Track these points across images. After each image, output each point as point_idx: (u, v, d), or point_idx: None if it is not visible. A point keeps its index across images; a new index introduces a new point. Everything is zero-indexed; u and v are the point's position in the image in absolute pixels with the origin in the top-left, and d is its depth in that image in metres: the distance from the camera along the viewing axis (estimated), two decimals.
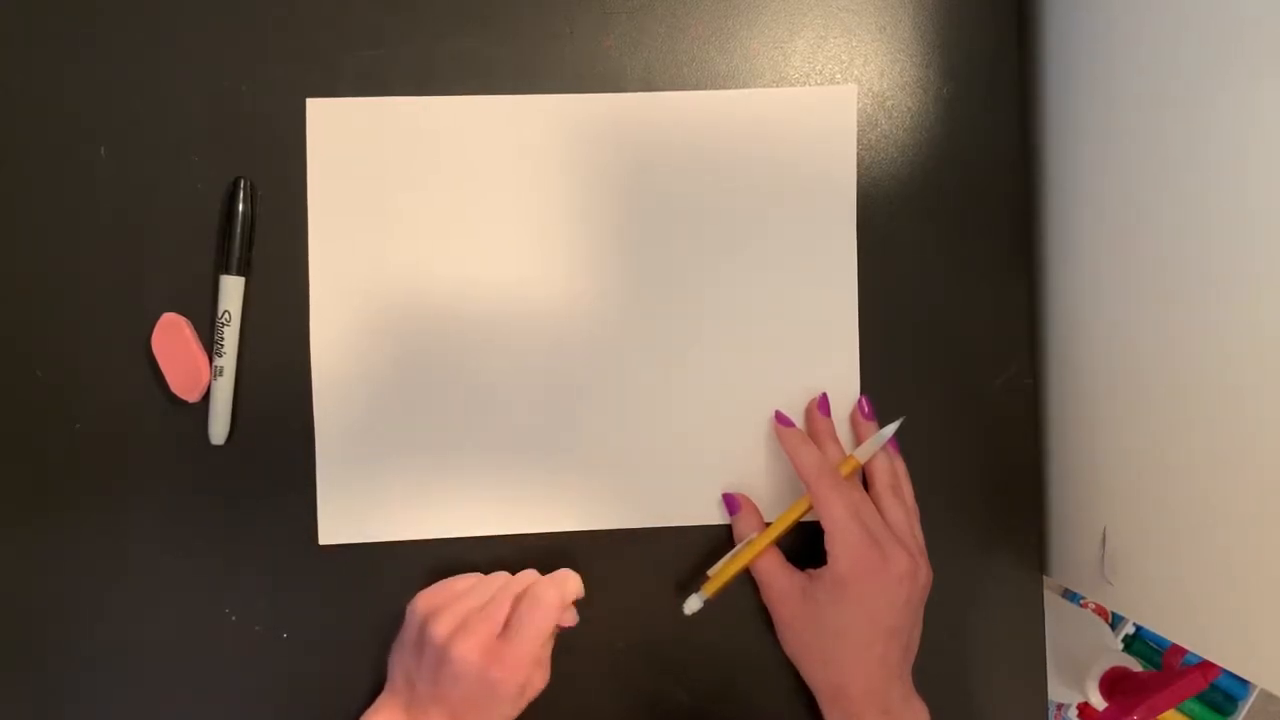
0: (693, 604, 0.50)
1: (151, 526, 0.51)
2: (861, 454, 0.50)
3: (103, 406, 0.50)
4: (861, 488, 0.50)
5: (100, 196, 0.50)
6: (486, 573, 0.50)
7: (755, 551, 0.50)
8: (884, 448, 0.51)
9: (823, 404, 0.52)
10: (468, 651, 0.45)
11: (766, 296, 0.53)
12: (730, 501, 0.52)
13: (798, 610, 0.49)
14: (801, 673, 0.51)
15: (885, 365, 0.53)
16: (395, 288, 0.51)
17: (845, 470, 0.50)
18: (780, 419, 0.52)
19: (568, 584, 0.50)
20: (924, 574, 0.49)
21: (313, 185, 0.51)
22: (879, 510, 0.50)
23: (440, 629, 0.46)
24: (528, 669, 0.46)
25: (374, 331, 0.51)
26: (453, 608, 0.47)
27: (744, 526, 0.52)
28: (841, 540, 0.48)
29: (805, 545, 0.51)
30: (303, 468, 0.51)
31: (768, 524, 0.51)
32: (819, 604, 0.48)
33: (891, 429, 0.51)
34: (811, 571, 0.50)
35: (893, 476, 0.51)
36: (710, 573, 0.51)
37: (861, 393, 0.53)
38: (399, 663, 0.48)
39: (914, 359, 0.54)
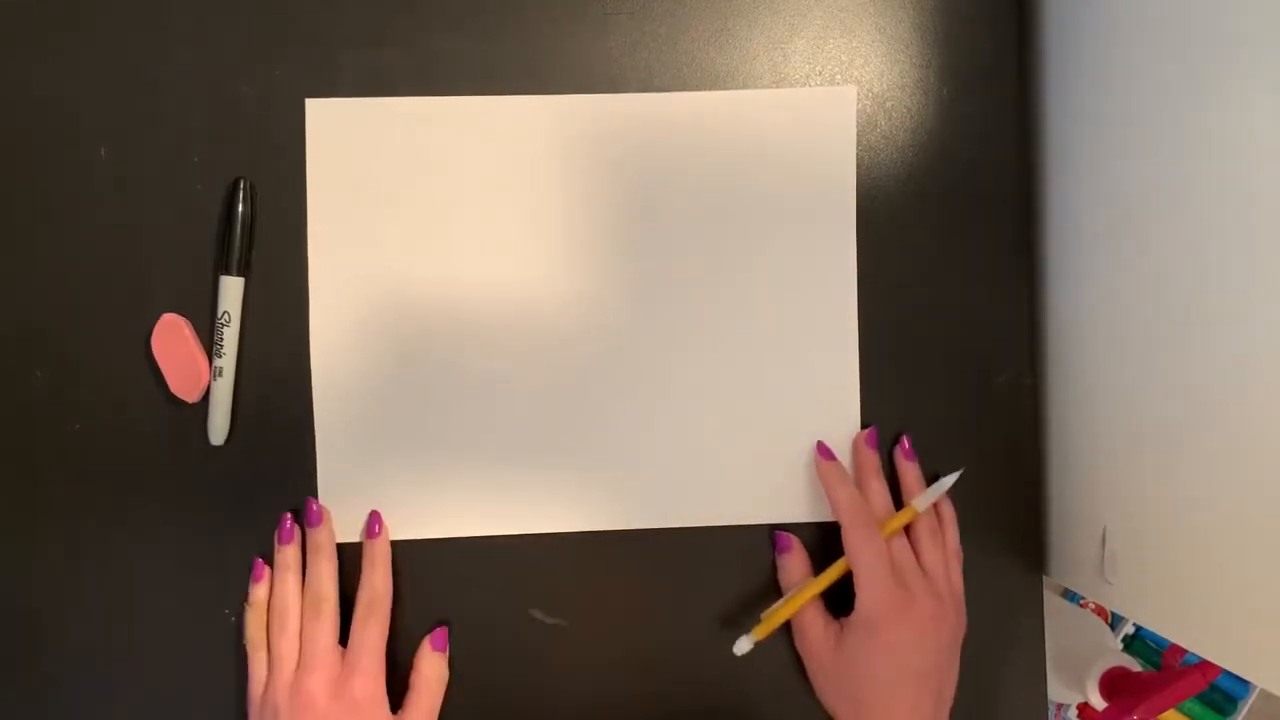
0: (743, 645, 0.49)
1: (151, 526, 0.51)
2: (920, 504, 0.50)
3: (103, 407, 0.50)
4: (902, 531, 0.50)
5: (100, 196, 0.50)
6: (486, 573, 0.51)
7: (810, 595, 0.50)
8: (920, 487, 0.51)
9: (871, 438, 0.52)
10: (313, 685, 0.46)
11: (766, 297, 0.53)
12: (782, 541, 0.52)
13: (831, 658, 0.49)
14: (833, 717, 0.50)
15: (885, 365, 0.53)
16: (395, 288, 0.51)
17: (901, 519, 0.50)
18: (822, 451, 0.52)
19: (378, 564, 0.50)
20: (953, 620, 0.49)
21: (313, 185, 0.51)
22: (916, 553, 0.50)
23: (278, 681, 0.47)
24: (377, 692, 0.47)
25: (374, 331, 0.51)
26: (273, 662, 0.48)
27: (792, 570, 0.51)
28: (867, 583, 0.48)
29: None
30: (303, 468, 0.51)
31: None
32: (849, 649, 0.48)
33: (950, 480, 0.50)
34: (844, 620, 0.50)
35: (933, 519, 0.51)
36: (764, 615, 0.50)
37: (862, 392, 0.53)
38: None
39: (914, 359, 0.54)
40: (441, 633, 0.51)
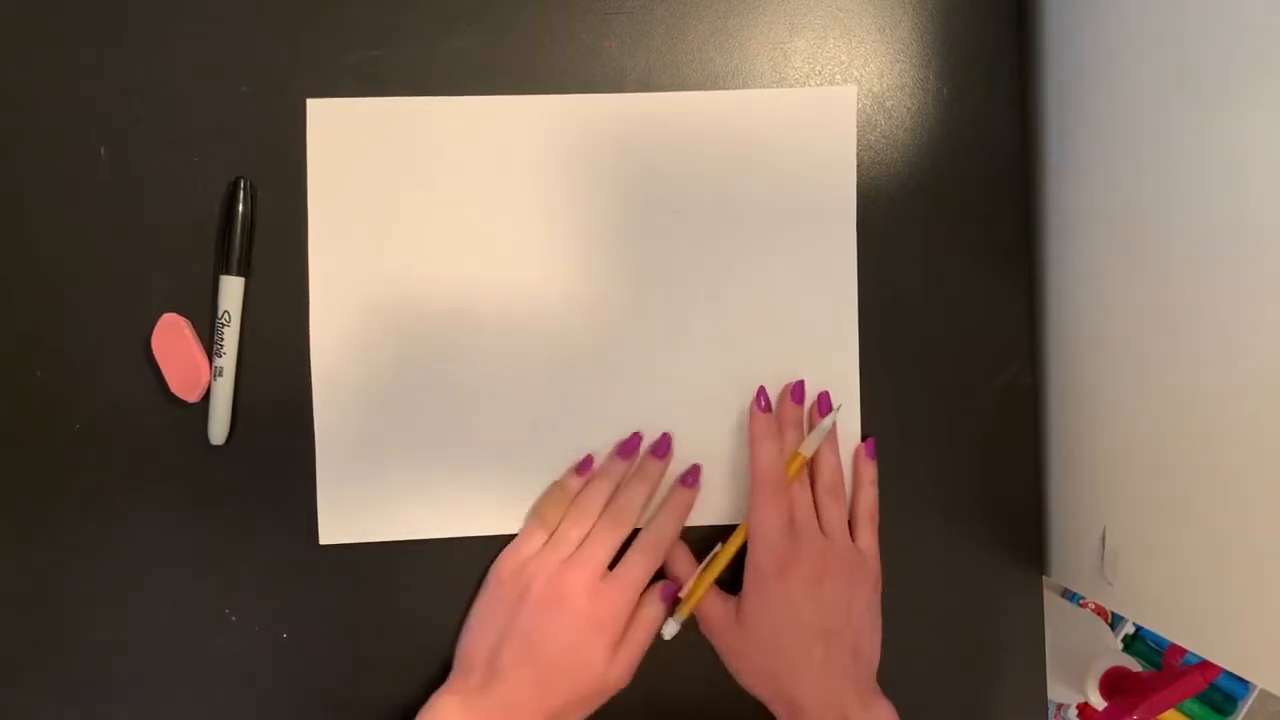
0: (671, 628, 0.50)
1: (151, 526, 0.51)
2: (806, 449, 0.51)
3: (103, 406, 0.50)
4: (808, 490, 0.51)
5: (100, 196, 0.50)
6: (485, 573, 0.51)
7: (724, 560, 0.50)
8: (828, 445, 0.52)
9: (796, 391, 0.52)
10: (577, 581, 0.47)
11: (766, 297, 0.53)
12: None
13: (735, 633, 0.49)
14: (759, 698, 0.50)
15: (885, 365, 0.53)
16: (395, 288, 0.51)
17: (794, 466, 0.50)
18: (762, 402, 0.52)
19: (678, 509, 0.51)
20: (860, 578, 0.49)
21: (313, 185, 0.51)
22: (818, 511, 0.50)
23: (548, 560, 0.48)
24: (624, 619, 0.48)
25: (374, 331, 0.51)
26: (554, 542, 0.49)
27: (679, 566, 0.51)
28: (756, 537, 0.49)
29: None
30: (303, 468, 0.51)
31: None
32: (747, 617, 0.48)
33: (829, 422, 0.51)
34: (740, 593, 0.50)
35: (833, 476, 0.51)
36: (682, 594, 0.50)
37: (862, 392, 0.53)
38: (475, 637, 0.49)
39: (914, 359, 0.54)
40: (671, 586, 0.51)
